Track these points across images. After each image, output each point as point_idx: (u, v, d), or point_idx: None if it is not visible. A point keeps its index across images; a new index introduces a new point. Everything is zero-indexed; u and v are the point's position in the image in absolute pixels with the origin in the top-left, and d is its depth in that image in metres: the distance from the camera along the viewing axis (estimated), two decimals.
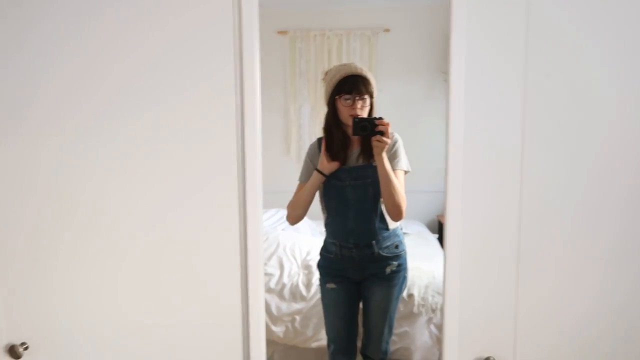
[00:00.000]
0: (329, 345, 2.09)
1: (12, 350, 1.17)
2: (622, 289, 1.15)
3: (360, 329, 2.14)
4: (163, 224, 1.17)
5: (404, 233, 2.09)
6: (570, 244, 1.13)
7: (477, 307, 1.14)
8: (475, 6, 1.06)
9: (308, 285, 2.62)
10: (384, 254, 1.94)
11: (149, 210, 1.16)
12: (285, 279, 2.64)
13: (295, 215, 1.96)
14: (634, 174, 1.11)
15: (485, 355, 1.14)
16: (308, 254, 2.83)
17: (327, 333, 2.10)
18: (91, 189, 1.16)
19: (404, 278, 2.03)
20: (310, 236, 3.25)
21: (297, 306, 2.58)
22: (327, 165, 1.86)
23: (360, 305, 2.09)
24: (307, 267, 2.73)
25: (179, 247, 1.17)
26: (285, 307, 2.58)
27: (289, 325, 2.58)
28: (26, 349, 1.20)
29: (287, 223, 3.48)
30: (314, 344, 2.58)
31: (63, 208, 1.17)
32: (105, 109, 1.13)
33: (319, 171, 1.87)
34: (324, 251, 2.05)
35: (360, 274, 1.98)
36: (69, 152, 1.15)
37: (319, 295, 2.42)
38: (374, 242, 1.92)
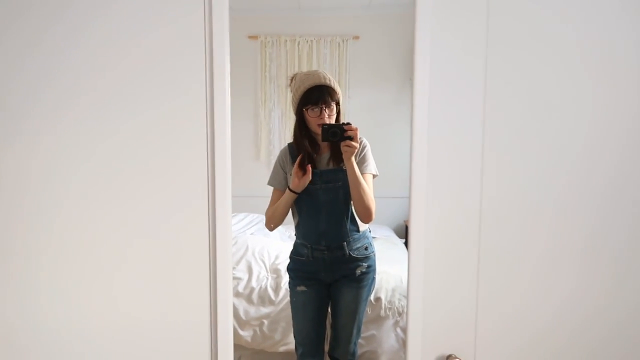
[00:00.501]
0: (297, 348, 2.10)
1: None
2: (585, 291, 1.19)
3: (328, 331, 2.17)
4: (133, 227, 1.16)
5: (372, 237, 2.13)
6: (530, 246, 1.17)
7: (439, 307, 1.17)
8: (438, 16, 1.10)
9: (276, 290, 2.62)
10: (355, 255, 1.98)
11: (120, 212, 1.16)
12: (254, 283, 2.64)
13: (274, 224, 2.01)
14: (591, 175, 1.16)
15: (447, 353, 1.18)
16: (277, 258, 2.83)
17: (296, 336, 2.10)
18: (71, 192, 1.16)
19: (373, 279, 2.06)
20: (279, 240, 3.26)
21: (265, 310, 2.58)
22: (299, 184, 1.90)
23: (329, 307, 2.12)
24: (275, 271, 2.73)
25: (148, 250, 1.17)
26: (253, 311, 2.57)
27: (257, 329, 2.57)
28: None
29: (256, 227, 3.53)
30: (282, 348, 2.58)
31: (41, 209, 1.16)
32: (90, 114, 1.14)
33: (291, 190, 1.91)
34: (295, 254, 2.07)
35: (331, 275, 2.01)
36: (53, 150, 1.15)
37: (287, 299, 2.43)
38: (345, 243, 1.96)
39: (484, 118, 1.13)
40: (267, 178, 2.05)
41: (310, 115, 1.90)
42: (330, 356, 2.14)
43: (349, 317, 2.04)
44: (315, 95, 1.88)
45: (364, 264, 2.00)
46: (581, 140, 1.15)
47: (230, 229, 1.17)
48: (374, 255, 2.05)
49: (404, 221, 4.19)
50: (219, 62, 1.11)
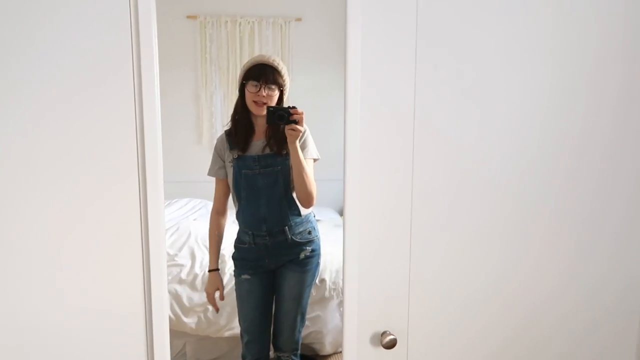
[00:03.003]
0: (242, 336, 2.09)
1: None
2: (511, 267, 1.26)
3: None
4: (61, 214, 1.10)
5: (317, 220, 2.13)
6: (459, 225, 1.22)
7: (374, 287, 1.20)
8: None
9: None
10: (298, 240, 1.98)
11: (46, 198, 1.09)
12: (197, 269, 2.60)
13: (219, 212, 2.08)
14: (518, 160, 1.22)
15: (382, 330, 1.21)
16: None
17: (241, 324, 2.09)
18: None
19: (317, 264, 2.07)
20: None
21: None
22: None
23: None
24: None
25: (78, 238, 1.11)
26: (197, 297, 2.54)
27: (201, 315, 2.54)
28: None
29: (198, 213, 3.47)
30: (227, 333, 2.56)
31: None
32: (8, 97, 1.06)
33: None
34: (238, 242, 2.05)
35: (275, 261, 2.00)
36: None
37: (232, 284, 2.41)
38: (286, 228, 1.95)
39: (415, 104, 1.15)
40: (210, 162, 2.01)
41: (249, 89, 1.88)
42: (274, 345, 2.12)
43: (292, 303, 2.04)
44: (256, 71, 1.87)
45: (307, 247, 2.00)
46: (505, 127, 1.20)
47: (162, 217, 1.12)
48: (318, 239, 2.06)
49: None
50: (146, 35, 1.05)
